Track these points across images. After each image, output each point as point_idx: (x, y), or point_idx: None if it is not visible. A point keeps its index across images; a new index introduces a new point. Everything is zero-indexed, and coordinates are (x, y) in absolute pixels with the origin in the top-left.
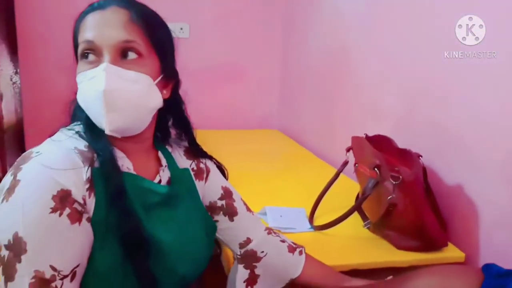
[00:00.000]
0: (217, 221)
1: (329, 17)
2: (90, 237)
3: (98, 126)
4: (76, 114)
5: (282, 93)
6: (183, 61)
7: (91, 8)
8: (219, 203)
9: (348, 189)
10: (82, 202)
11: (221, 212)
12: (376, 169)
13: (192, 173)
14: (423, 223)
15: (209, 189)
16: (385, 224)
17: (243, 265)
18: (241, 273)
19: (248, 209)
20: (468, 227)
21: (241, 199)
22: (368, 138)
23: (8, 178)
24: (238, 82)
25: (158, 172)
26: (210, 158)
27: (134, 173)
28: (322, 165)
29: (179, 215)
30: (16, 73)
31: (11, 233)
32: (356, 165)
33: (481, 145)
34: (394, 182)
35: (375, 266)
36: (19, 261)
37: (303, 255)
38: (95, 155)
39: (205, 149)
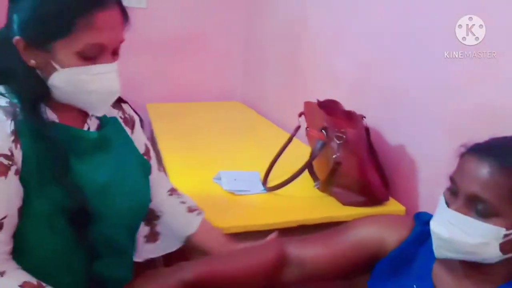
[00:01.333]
0: None
1: None
2: (17, 188)
3: (82, 108)
4: None
5: (245, 65)
6: (141, 33)
7: (96, 4)
8: None
9: (302, 153)
10: (9, 154)
11: None
12: (323, 130)
13: (120, 120)
14: (366, 179)
15: (135, 141)
16: (331, 182)
17: (143, 222)
18: (141, 229)
19: (159, 168)
20: (409, 183)
21: (155, 157)
22: (319, 103)
23: None
24: (200, 54)
25: (85, 121)
26: (134, 110)
27: (61, 123)
28: (281, 133)
29: (112, 157)
30: None
31: None
32: (308, 129)
33: (422, 109)
34: (338, 142)
35: (321, 221)
36: None
37: (200, 216)
38: (17, 109)
39: (166, 121)
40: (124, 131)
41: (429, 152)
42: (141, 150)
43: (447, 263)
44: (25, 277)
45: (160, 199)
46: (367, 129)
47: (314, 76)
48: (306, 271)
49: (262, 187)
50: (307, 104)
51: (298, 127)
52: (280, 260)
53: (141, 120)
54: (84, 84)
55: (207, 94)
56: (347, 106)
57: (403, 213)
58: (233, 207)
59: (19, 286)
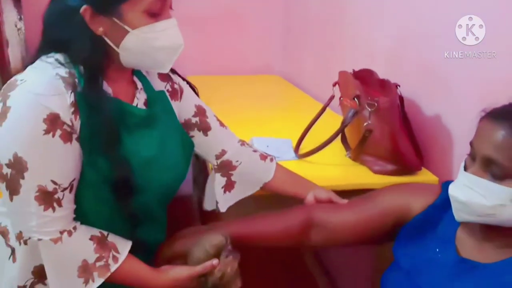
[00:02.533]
0: (193, 136)
1: None
2: (80, 154)
3: (151, 67)
4: (50, 44)
5: (285, 39)
6: (186, 8)
7: None
8: (193, 120)
9: (335, 123)
10: (70, 123)
11: (196, 128)
12: (355, 99)
13: (167, 94)
14: (397, 148)
15: (184, 108)
16: (362, 150)
17: (220, 173)
18: (218, 180)
19: (222, 124)
20: (444, 154)
21: (215, 115)
22: (354, 72)
23: None
24: (241, 28)
25: (135, 95)
26: (182, 78)
27: (115, 97)
28: (318, 105)
29: (158, 133)
30: (20, 19)
31: (10, 153)
32: (341, 98)
33: (460, 80)
34: (370, 110)
35: (351, 187)
36: (23, 178)
37: (274, 162)
38: (76, 80)
39: (206, 93)
40: (170, 106)
41: (465, 124)
42: (191, 112)
43: (469, 227)
44: (91, 231)
45: (234, 150)
46: (401, 98)
47: (352, 49)
48: (333, 235)
49: (293, 154)
50: (342, 73)
51: (332, 97)
52: (307, 224)
53: (192, 87)
54: (152, 42)
55: (246, 67)
56: (384, 76)
57: (436, 183)
58: None
59: (89, 239)
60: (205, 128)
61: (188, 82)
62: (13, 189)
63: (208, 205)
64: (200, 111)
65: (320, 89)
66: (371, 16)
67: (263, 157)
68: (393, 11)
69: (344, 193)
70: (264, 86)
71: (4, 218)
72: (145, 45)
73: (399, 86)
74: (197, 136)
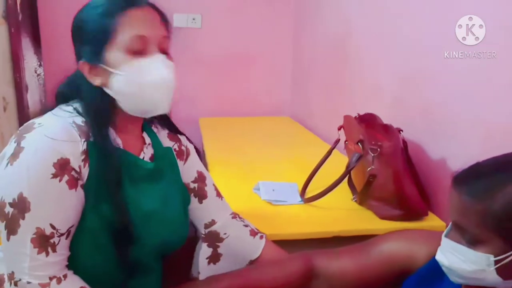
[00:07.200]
0: None
1: (333, 5)
2: (82, 201)
3: (147, 109)
4: (68, 94)
5: (294, 81)
6: (196, 51)
7: (127, 4)
8: (192, 185)
9: (343, 166)
10: (78, 170)
11: (192, 194)
12: (359, 143)
13: (174, 152)
14: (402, 192)
15: (186, 171)
16: (368, 195)
17: (206, 243)
18: (204, 251)
19: (218, 195)
20: None
21: (213, 184)
22: (359, 116)
23: (11, 145)
24: (251, 71)
25: (142, 149)
26: (190, 141)
27: (123, 149)
28: (327, 147)
29: (161, 188)
30: (40, 65)
31: (16, 193)
32: (346, 142)
33: (465, 122)
34: (373, 154)
35: (356, 233)
36: (23, 218)
37: (263, 239)
38: (90, 129)
39: (216, 134)
40: (176, 162)
41: None
42: (191, 177)
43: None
44: (81, 283)
45: (224, 222)
46: (404, 142)
47: (358, 91)
48: (334, 284)
49: (299, 198)
50: (346, 118)
51: (338, 141)
52: (308, 272)
53: (197, 150)
54: (136, 79)
55: (257, 109)
56: (389, 120)
57: (443, 229)
58: (269, 217)
59: None
60: (201, 196)
61: (194, 147)
62: (12, 229)
63: (194, 271)
64: (201, 178)
65: (328, 130)
66: (375, 60)
67: (253, 233)
68: (397, 54)
69: (349, 239)
70: (273, 127)
71: (1, 265)
72: (131, 84)
73: (401, 131)
74: (192, 202)
